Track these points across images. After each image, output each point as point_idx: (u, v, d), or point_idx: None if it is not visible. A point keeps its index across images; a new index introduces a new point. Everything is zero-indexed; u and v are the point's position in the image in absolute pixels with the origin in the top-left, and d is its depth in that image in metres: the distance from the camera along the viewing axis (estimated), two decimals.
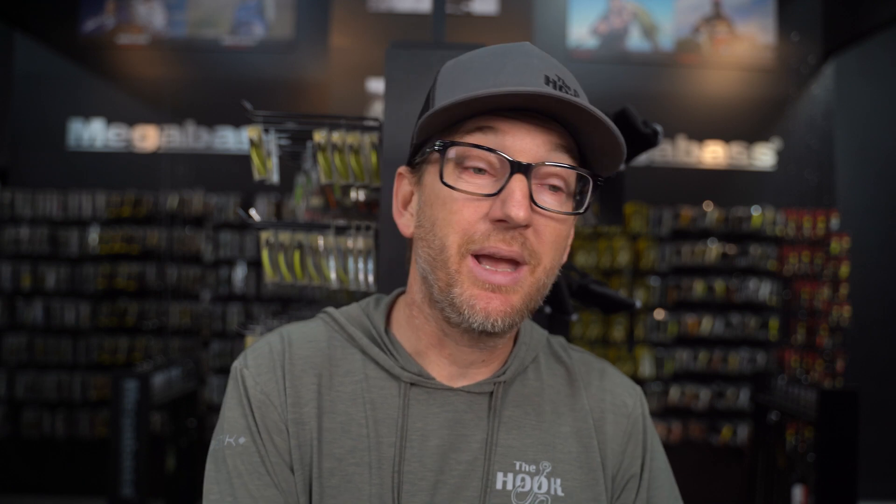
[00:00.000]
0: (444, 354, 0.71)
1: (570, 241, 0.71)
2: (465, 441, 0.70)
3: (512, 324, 0.64)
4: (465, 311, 0.63)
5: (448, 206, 0.64)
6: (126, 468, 3.02)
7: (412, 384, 0.71)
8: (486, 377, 0.73)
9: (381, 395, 0.71)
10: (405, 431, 0.69)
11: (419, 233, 0.69)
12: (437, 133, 0.67)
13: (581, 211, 0.67)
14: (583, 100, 0.64)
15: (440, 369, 0.72)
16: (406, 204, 0.73)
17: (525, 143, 0.63)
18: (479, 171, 0.64)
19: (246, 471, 0.67)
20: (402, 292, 0.79)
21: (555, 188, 0.65)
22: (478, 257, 0.64)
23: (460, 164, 0.64)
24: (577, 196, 0.69)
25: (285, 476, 0.68)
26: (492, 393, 0.72)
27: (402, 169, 0.74)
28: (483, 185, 0.64)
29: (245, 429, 0.69)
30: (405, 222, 0.73)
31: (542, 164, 0.63)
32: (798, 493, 3.27)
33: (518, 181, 0.61)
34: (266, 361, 0.72)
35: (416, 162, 0.71)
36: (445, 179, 0.64)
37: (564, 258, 0.72)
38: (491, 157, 0.63)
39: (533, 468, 0.70)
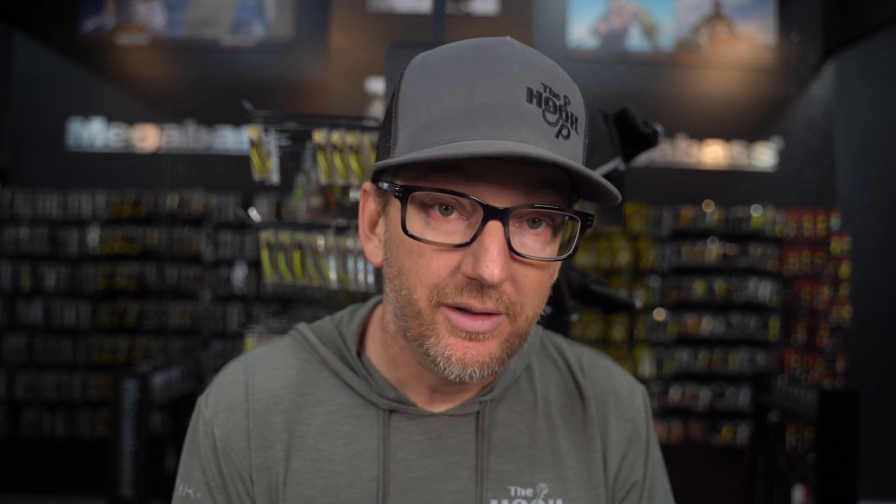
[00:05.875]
0: (425, 384, 0.66)
1: (555, 277, 0.62)
2: (452, 469, 0.65)
3: (491, 373, 0.58)
4: (441, 363, 0.56)
5: (414, 256, 0.56)
6: (126, 468, 3.02)
7: (391, 411, 0.66)
8: (471, 396, 0.67)
9: (358, 424, 0.66)
10: (387, 463, 0.64)
11: (387, 271, 0.60)
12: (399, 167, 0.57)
13: (569, 254, 0.58)
14: (573, 105, 0.57)
15: (419, 395, 0.67)
16: (373, 226, 0.65)
17: (501, 185, 0.54)
18: (448, 209, 0.55)
19: None
20: (380, 302, 0.72)
21: (537, 222, 0.57)
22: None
23: (426, 205, 0.55)
24: (566, 234, 0.61)
25: None
26: (478, 413, 0.67)
27: (367, 186, 0.64)
28: (453, 231, 0.55)
29: (202, 483, 0.65)
30: (372, 249, 0.64)
31: (521, 207, 0.54)
32: (798, 493, 3.27)
33: (492, 231, 0.53)
34: (227, 402, 0.67)
35: (380, 184, 0.61)
36: (409, 228, 0.55)
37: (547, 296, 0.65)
38: (462, 199, 0.54)
39: (529, 492, 0.66)
